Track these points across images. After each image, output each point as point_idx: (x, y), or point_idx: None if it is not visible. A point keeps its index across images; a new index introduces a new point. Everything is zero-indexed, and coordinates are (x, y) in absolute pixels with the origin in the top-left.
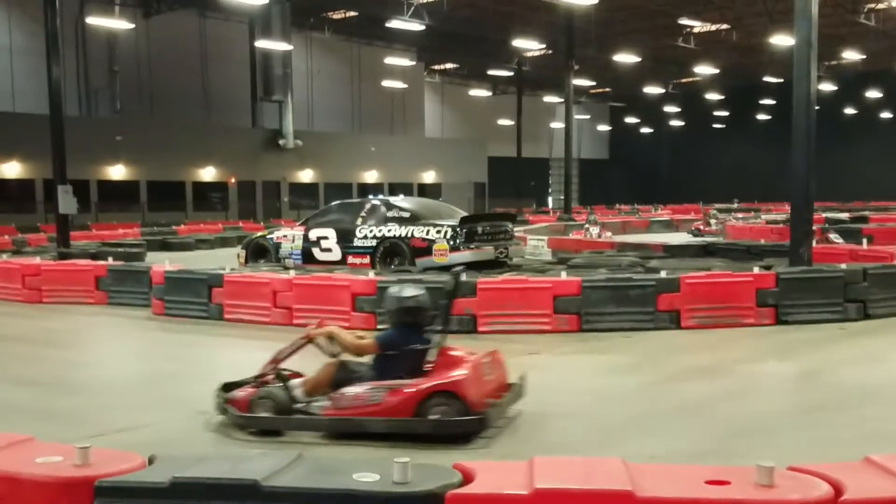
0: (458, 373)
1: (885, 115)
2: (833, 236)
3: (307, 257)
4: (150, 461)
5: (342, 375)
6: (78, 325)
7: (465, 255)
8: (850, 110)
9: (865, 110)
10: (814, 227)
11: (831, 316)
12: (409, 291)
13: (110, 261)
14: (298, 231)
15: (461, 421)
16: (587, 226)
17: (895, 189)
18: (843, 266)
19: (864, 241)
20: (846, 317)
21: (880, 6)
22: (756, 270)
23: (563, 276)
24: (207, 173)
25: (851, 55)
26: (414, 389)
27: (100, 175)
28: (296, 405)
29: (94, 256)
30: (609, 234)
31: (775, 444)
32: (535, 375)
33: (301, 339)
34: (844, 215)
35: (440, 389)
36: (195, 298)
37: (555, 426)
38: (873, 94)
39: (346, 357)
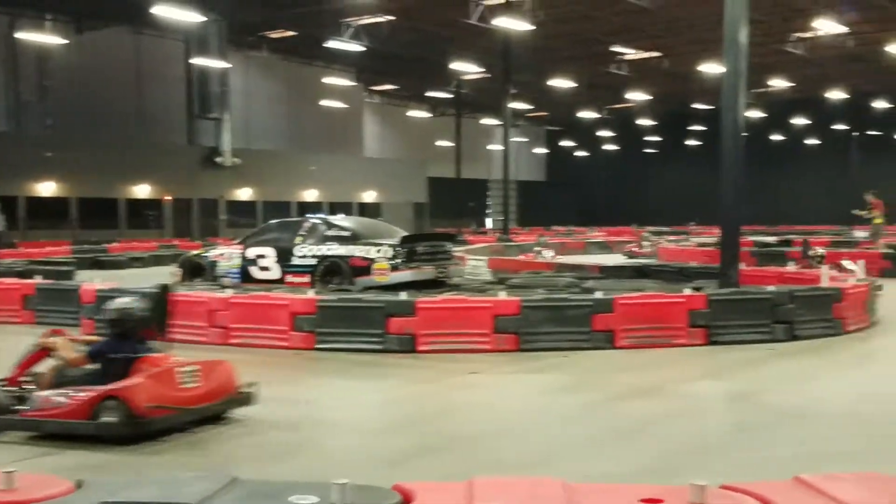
0: (131, 380)
1: (813, 141)
2: (846, 262)
3: (245, 276)
4: (79, 485)
5: (59, 380)
6: (2, 346)
7: (405, 275)
8: (778, 136)
9: (793, 137)
10: (823, 252)
11: (760, 337)
12: (118, 303)
13: (38, 279)
14: (236, 249)
15: (117, 424)
16: (538, 248)
17: (821, 213)
18: (771, 288)
19: (791, 263)
20: (774, 338)
21: (807, 35)
22: (687, 292)
23: (503, 296)
24: (142, 190)
25: (780, 83)
26: (89, 395)
27: (29, 192)
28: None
29: (22, 275)
30: (558, 256)
31: (711, 463)
32: (476, 394)
33: (33, 346)
34: (772, 239)
35: (111, 395)
36: None
37: (494, 445)
38: (801, 120)
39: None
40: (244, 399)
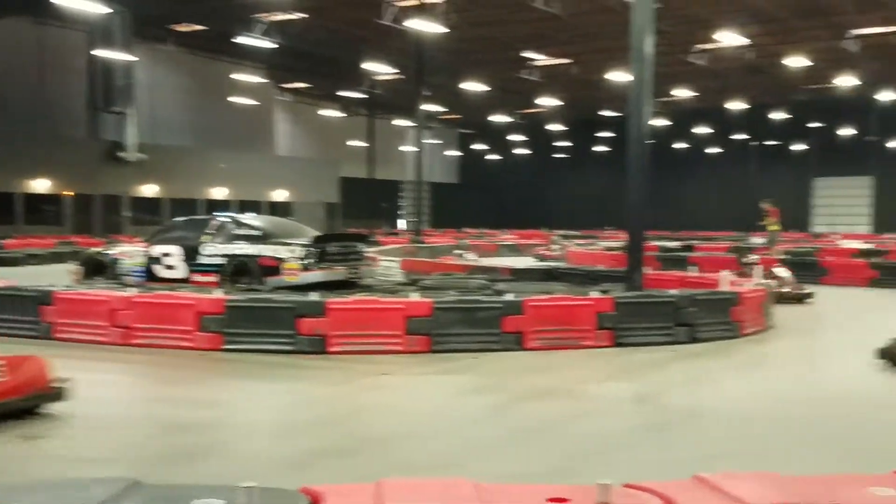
0: None
1: (714, 149)
2: (778, 270)
3: (149, 275)
4: None
5: None
6: None
7: (316, 275)
8: (683, 144)
9: (696, 145)
10: (757, 259)
11: (663, 339)
12: None
13: None
14: (140, 247)
15: None
16: (460, 251)
17: (722, 220)
18: (674, 291)
19: (693, 268)
20: (676, 339)
21: (709, 46)
22: (595, 295)
23: (415, 297)
24: (41, 185)
25: (684, 92)
26: None
27: None
28: None
29: None
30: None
31: (616, 463)
32: (387, 396)
33: None
34: (676, 244)
35: None
36: (22, 316)
37: (405, 447)
38: (704, 129)
39: None
40: (56, 394)
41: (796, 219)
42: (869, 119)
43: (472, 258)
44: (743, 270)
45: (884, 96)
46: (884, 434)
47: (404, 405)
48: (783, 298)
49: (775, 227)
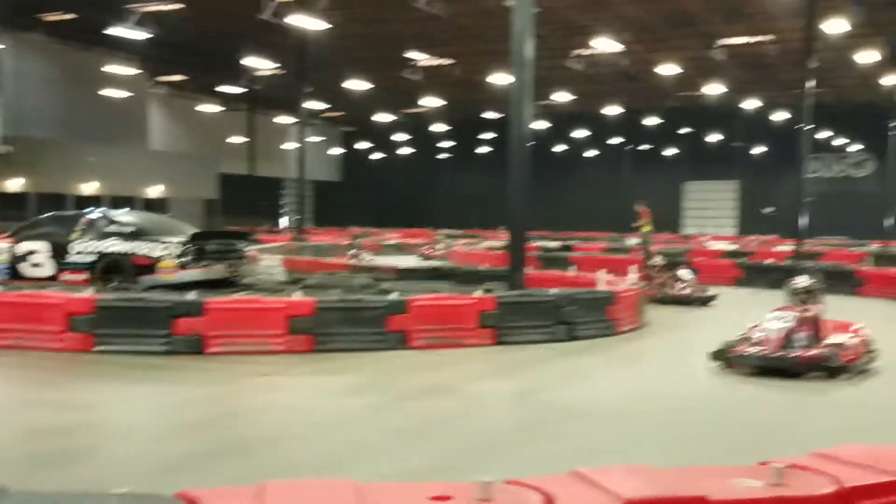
0: None
1: (592, 152)
2: (682, 272)
3: (14, 273)
4: None
5: None
6: None
7: (194, 274)
8: (562, 147)
9: (575, 147)
10: (661, 262)
11: (543, 337)
12: None
13: None
14: (4, 244)
15: None
16: (353, 251)
17: (599, 220)
18: (554, 291)
19: (571, 267)
20: (556, 337)
21: (586, 52)
22: (477, 294)
23: (297, 296)
24: None
25: (564, 96)
26: None
27: None
28: None
29: None
30: (372, 257)
31: (497, 460)
32: (268, 397)
33: None
34: (555, 244)
35: None
36: None
37: (287, 448)
38: (582, 132)
39: None
40: None
41: (668, 220)
42: (735, 126)
43: (367, 258)
44: (648, 273)
45: (748, 104)
46: (739, 430)
47: (286, 406)
48: (686, 301)
49: (648, 229)
